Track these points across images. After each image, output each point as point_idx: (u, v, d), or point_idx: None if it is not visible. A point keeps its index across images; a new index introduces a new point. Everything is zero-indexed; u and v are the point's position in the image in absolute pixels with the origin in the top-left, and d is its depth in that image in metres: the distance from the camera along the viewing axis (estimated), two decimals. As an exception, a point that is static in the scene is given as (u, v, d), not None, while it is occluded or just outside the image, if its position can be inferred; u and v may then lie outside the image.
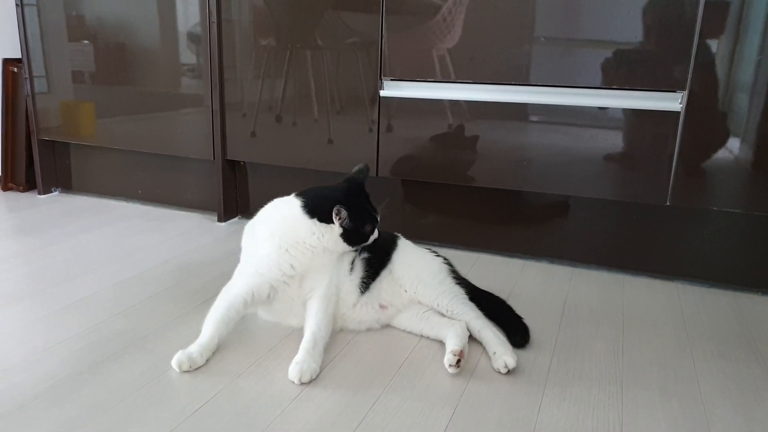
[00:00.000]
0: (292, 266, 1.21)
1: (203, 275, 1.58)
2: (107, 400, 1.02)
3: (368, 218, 1.24)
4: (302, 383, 1.09)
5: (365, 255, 1.31)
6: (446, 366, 1.13)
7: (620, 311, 1.44)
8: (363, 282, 1.28)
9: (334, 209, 1.18)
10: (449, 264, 1.37)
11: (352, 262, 1.29)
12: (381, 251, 1.33)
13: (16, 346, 1.20)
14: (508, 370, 1.14)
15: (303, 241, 1.21)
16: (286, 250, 1.20)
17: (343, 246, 1.22)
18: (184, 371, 1.11)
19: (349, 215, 1.19)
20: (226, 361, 1.16)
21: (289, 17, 1.79)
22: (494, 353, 1.17)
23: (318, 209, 1.20)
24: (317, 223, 1.20)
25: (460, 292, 1.30)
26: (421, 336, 1.28)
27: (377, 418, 1.00)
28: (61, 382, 1.07)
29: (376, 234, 1.27)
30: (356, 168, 1.31)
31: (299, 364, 1.10)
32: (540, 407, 1.05)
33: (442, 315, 1.27)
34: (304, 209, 1.21)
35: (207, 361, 1.15)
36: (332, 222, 1.20)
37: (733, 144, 1.45)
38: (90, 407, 1.00)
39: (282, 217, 1.23)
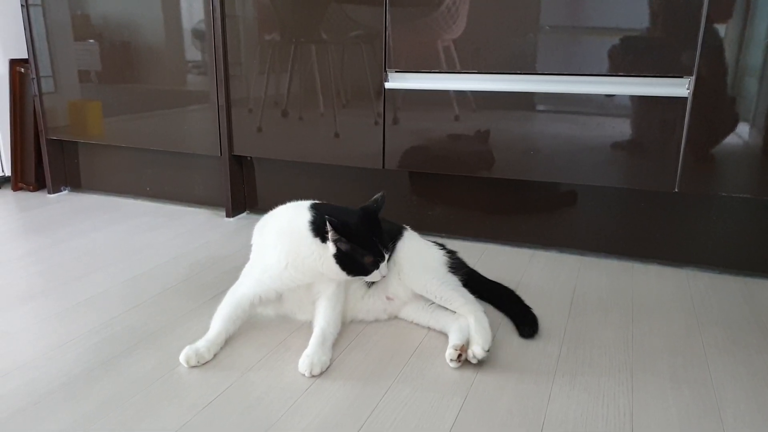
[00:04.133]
0: (293, 281, 1.19)
1: (213, 270, 1.59)
2: (120, 395, 1.03)
3: (370, 249, 1.14)
4: (313, 375, 1.10)
5: None
6: (447, 360, 1.13)
7: (630, 299, 1.44)
8: None
9: (327, 220, 1.11)
10: (452, 256, 1.35)
11: None
12: (392, 244, 1.32)
13: (29, 343, 1.21)
14: (478, 361, 1.12)
15: (303, 261, 1.16)
16: (286, 266, 1.17)
17: (338, 271, 1.14)
18: (192, 366, 1.12)
19: (345, 236, 1.12)
20: (237, 354, 1.17)
21: (292, 12, 1.79)
22: (469, 341, 1.16)
23: (322, 228, 1.14)
24: (318, 242, 1.14)
25: (451, 279, 1.27)
26: (428, 328, 1.28)
27: (388, 409, 1.00)
28: (74, 378, 1.08)
29: (384, 271, 1.17)
30: (374, 197, 1.23)
31: (309, 356, 1.11)
32: (550, 396, 1.05)
33: (439, 306, 1.26)
34: (310, 226, 1.16)
35: (215, 355, 1.16)
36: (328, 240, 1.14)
37: (742, 129, 1.44)
38: (103, 402, 1.01)
39: (290, 229, 1.18)
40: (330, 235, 1.12)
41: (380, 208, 1.22)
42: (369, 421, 0.97)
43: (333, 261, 1.14)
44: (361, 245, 1.13)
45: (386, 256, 1.17)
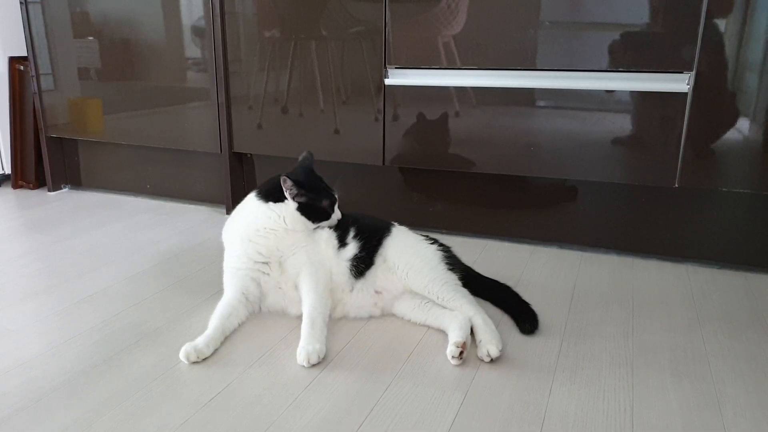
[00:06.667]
0: (259, 253, 1.26)
1: (213, 267, 1.59)
2: (122, 392, 1.04)
3: (324, 193, 1.29)
4: (311, 365, 1.11)
5: (357, 239, 1.30)
6: (449, 358, 1.13)
7: (630, 294, 1.44)
8: (355, 266, 1.28)
9: (281, 179, 1.23)
10: (446, 251, 1.35)
11: (340, 240, 1.30)
12: (374, 237, 1.32)
13: (32, 341, 1.21)
14: (491, 359, 1.13)
15: (263, 227, 1.26)
16: (249, 240, 1.27)
17: (304, 222, 1.27)
18: (192, 362, 1.13)
19: (299, 187, 1.24)
20: (238, 351, 1.17)
21: (292, 8, 1.79)
22: (480, 341, 1.16)
23: (270, 192, 1.28)
24: (272, 205, 1.27)
25: (451, 279, 1.29)
26: (426, 326, 1.27)
27: (389, 404, 1.01)
28: (77, 376, 1.09)
29: (338, 213, 1.32)
30: (301, 156, 1.36)
31: (304, 348, 1.12)
32: (551, 391, 1.05)
33: (435, 304, 1.26)
34: (257, 196, 1.29)
35: (215, 351, 1.16)
36: (285, 199, 1.25)
37: (742, 124, 1.44)
38: (105, 399, 1.02)
39: (240, 213, 1.31)
40: (288, 193, 1.25)
41: (311, 163, 1.36)
42: (370, 416, 0.98)
43: (298, 214, 1.26)
44: (315, 193, 1.27)
45: (335, 196, 1.31)
